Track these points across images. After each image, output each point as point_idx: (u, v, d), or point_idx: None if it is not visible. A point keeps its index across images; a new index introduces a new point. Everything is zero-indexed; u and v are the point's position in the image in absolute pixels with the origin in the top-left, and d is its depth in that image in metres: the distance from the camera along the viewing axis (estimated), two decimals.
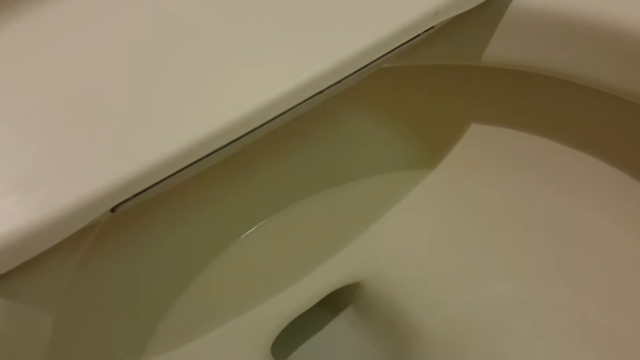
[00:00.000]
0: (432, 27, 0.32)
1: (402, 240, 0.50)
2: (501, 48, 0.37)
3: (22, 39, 0.28)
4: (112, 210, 0.25)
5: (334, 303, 0.53)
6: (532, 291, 0.46)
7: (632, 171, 0.42)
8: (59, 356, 0.30)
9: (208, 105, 0.26)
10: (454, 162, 0.50)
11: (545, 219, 0.47)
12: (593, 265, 0.45)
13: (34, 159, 0.24)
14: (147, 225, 0.41)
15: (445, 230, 0.50)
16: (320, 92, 0.29)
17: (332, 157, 0.50)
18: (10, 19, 0.29)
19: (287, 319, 0.47)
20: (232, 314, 0.46)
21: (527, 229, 0.48)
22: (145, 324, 0.43)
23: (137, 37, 0.29)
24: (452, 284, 0.48)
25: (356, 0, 0.30)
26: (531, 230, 0.48)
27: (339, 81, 0.29)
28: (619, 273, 0.44)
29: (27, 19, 0.29)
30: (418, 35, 0.31)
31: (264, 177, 0.48)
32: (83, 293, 0.36)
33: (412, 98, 0.47)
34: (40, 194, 0.23)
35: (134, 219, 0.40)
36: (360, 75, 0.32)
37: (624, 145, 0.42)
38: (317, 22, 0.30)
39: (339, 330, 0.54)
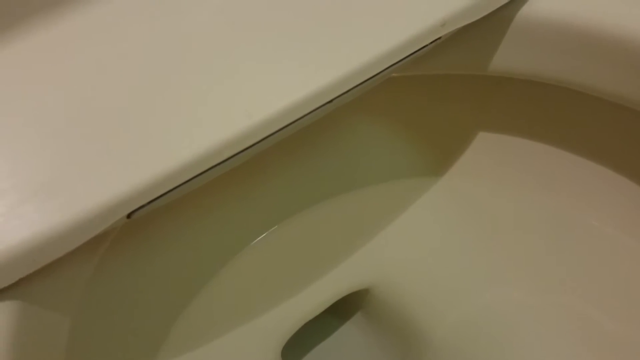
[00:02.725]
0: (439, 38, 0.32)
1: (410, 247, 0.50)
2: (508, 58, 0.37)
3: (40, 50, 0.29)
4: (128, 216, 0.26)
5: (343, 309, 0.53)
6: (540, 296, 0.46)
7: (638, 178, 0.42)
8: (76, 358, 0.31)
9: (220, 114, 0.27)
10: (461, 170, 0.50)
11: (551, 225, 0.47)
12: (599, 271, 0.45)
13: (53, 166, 0.25)
14: (161, 231, 0.42)
15: (453, 237, 0.50)
16: (330, 101, 0.29)
17: (340, 164, 0.50)
18: (28, 31, 0.30)
19: (296, 324, 0.47)
20: (242, 319, 0.47)
21: (534, 235, 0.48)
22: (158, 328, 0.44)
23: (150, 47, 0.29)
24: (460, 290, 0.48)
25: (364, 12, 0.31)
26: (538, 236, 0.48)
27: (348, 90, 0.30)
28: (625, 278, 0.44)
29: (49, 30, 0.30)
30: (425, 45, 0.32)
31: (275, 184, 0.48)
32: (99, 297, 0.36)
33: (419, 106, 0.47)
34: (58, 201, 0.24)
35: (148, 225, 0.40)
36: (369, 84, 0.32)
37: (631, 153, 0.42)
38: (325, 33, 0.30)
39: (349, 335, 0.54)
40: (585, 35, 0.33)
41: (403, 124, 0.49)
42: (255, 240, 0.49)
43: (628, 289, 0.44)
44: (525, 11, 0.34)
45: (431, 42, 0.32)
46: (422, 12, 0.31)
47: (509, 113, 0.46)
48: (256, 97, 0.27)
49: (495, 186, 0.49)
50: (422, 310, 0.48)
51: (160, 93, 0.27)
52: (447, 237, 0.50)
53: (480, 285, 0.48)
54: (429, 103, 0.47)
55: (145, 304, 0.42)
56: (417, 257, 0.50)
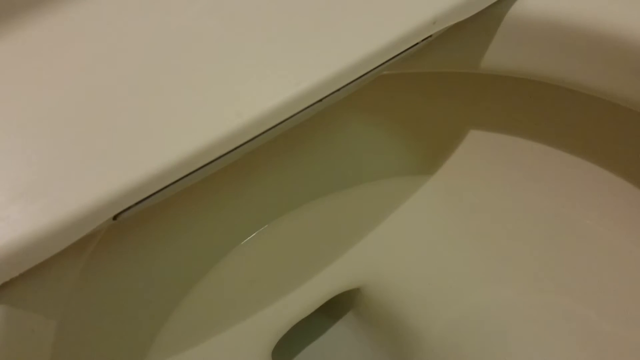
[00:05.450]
0: (430, 36, 0.32)
1: (401, 246, 0.50)
2: (499, 55, 0.37)
3: (26, 48, 0.29)
4: (114, 218, 0.25)
5: (334, 309, 0.53)
6: (533, 296, 0.46)
7: (631, 177, 0.42)
8: None
9: (209, 113, 0.27)
10: (453, 168, 0.50)
11: (544, 225, 0.47)
12: (593, 271, 0.45)
13: (38, 167, 0.24)
14: (149, 232, 0.42)
15: (445, 236, 0.50)
16: (321, 100, 0.29)
17: (332, 163, 0.50)
18: (17, 27, 0.29)
19: (287, 324, 0.47)
20: (232, 320, 0.46)
21: (527, 235, 0.48)
22: (147, 330, 0.44)
23: (139, 46, 0.29)
24: (452, 290, 0.48)
25: (355, 10, 0.31)
26: (531, 235, 0.48)
27: (339, 89, 0.29)
28: (618, 278, 0.44)
29: (33, 29, 0.29)
30: (417, 43, 0.32)
31: (265, 184, 0.48)
32: (86, 299, 0.36)
33: (411, 104, 0.47)
34: (43, 203, 0.23)
35: (136, 226, 0.40)
36: (360, 83, 0.32)
37: (623, 151, 0.42)
38: (316, 32, 0.30)
39: (340, 335, 0.54)
40: (576, 32, 0.33)
41: (395, 122, 0.49)
42: (246, 240, 0.49)
43: (622, 288, 0.44)
44: (516, 9, 0.34)
45: (422, 40, 0.32)
46: (413, 10, 0.31)
47: (501, 111, 0.46)
48: (246, 95, 0.27)
49: (488, 184, 0.49)
50: (414, 309, 0.48)
51: (148, 93, 0.27)
52: (439, 235, 0.50)
53: (473, 285, 0.48)
54: (420, 101, 0.47)
55: (133, 305, 0.42)
56: (409, 256, 0.50)
